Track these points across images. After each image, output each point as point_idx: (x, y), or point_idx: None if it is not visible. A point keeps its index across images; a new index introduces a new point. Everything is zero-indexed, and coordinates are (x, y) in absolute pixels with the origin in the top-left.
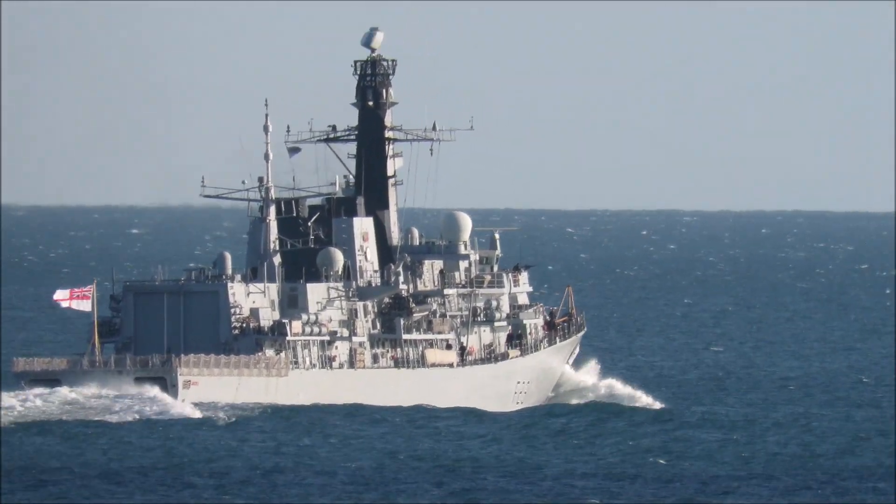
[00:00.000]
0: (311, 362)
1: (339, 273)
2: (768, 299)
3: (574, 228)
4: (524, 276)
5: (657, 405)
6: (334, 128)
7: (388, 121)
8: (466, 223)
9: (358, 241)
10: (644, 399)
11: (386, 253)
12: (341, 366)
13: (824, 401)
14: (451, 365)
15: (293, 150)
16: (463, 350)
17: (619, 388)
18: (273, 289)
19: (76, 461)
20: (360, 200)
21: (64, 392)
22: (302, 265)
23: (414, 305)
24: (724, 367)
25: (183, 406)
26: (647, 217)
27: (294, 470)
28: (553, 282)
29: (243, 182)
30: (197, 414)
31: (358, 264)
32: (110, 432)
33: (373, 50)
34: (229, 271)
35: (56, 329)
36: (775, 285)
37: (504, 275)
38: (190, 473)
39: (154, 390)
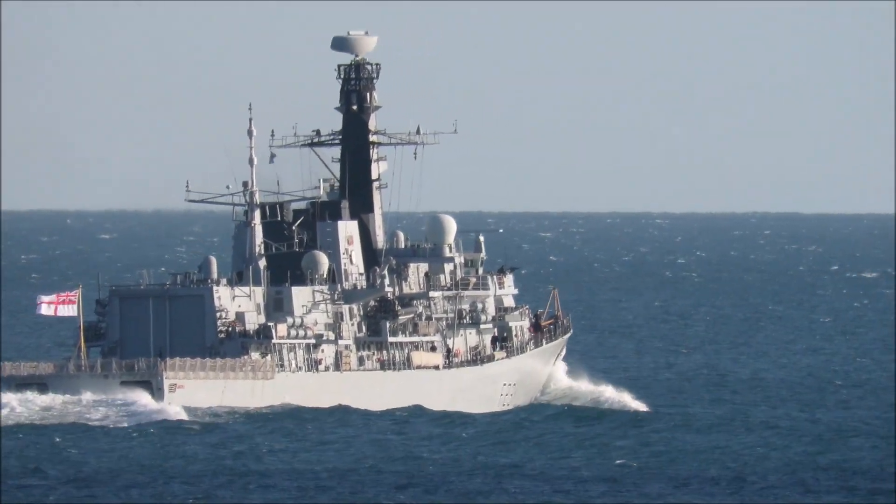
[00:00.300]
0: (296, 365)
1: (325, 276)
2: (739, 301)
3: (545, 231)
4: (509, 279)
5: (635, 408)
6: (318, 132)
7: (372, 125)
8: (451, 226)
9: (343, 245)
10: (623, 402)
11: (371, 256)
12: (327, 369)
13: (797, 402)
14: (436, 367)
15: (271, 157)
16: (448, 352)
17: (603, 392)
18: (258, 292)
19: (48, 464)
20: (345, 204)
21: (47, 396)
22: (287, 269)
23: (399, 308)
24: (697, 369)
25: (167, 409)
26: (618, 219)
27: (267, 473)
28: (525, 283)
29: (228, 187)
30: (182, 417)
31: (343, 267)
32: (89, 436)
33: (356, 55)
34: (215, 275)
35: (25, 333)
36: (746, 287)
37: (489, 277)
38: (162, 476)
39: (138, 394)
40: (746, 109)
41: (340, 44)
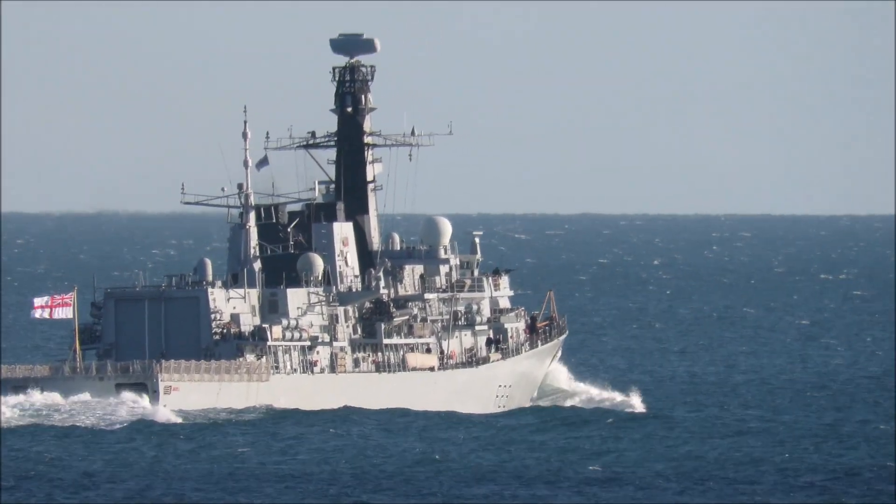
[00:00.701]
0: (291, 367)
1: (320, 278)
2: (716, 302)
3: (520, 233)
4: (505, 280)
5: (624, 409)
6: (313, 134)
7: (367, 126)
8: (446, 228)
9: (338, 247)
10: (615, 404)
11: (366, 258)
12: (322, 371)
13: (772, 404)
14: (432, 369)
15: (261, 163)
16: (442, 354)
17: (595, 395)
18: (253, 294)
19: (41, 467)
20: (340, 206)
21: (43, 398)
22: (282, 271)
23: (395, 310)
24: (675, 372)
25: (162, 412)
26: (609, 220)
27: (251, 476)
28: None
29: (223, 189)
30: (176, 419)
31: (338, 269)
32: (83, 439)
33: (350, 57)
34: (210, 277)
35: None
36: (723, 289)
37: (484, 279)
38: (150, 479)
39: (133, 396)
40: (731, 112)
41: (341, 45)
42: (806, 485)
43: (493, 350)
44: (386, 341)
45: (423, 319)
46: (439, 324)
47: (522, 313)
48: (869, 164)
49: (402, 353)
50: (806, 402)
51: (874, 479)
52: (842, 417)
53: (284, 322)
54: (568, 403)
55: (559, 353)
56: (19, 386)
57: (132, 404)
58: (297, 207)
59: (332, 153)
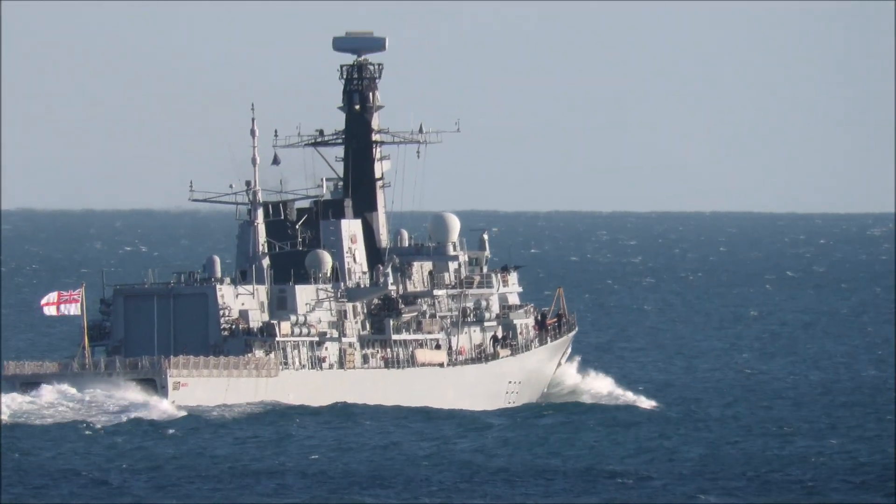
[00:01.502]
0: (300, 363)
1: (328, 275)
2: (689, 299)
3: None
4: (513, 277)
5: (640, 408)
6: (322, 132)
7: (374, 124)
8: (455, 224)
9: (346, 243)
10: (626, 402)
11: (374, 255)
12: (331, 366)
13: (755, 404)
14: (441, 365)
15: (275, 161)
16: (450, 349)
17: (606, 390)
18: (262, 291)
19: (50, 463)
20: (348, 203)
21: (51, 394)
22: (291, 267)
23: (403, 306)
24: (649, 373)
25: (170, 407)
26: (600, 219)
27: (253, 472)
28: None
29: (231, 186)
30: (185, 415)
31: (346, 266)
32: (91, 435)
33: (358, 55)
34: (218, 274)
35: None
36: (691, 287)
37: (493, 275)
38: (154, 475)
39: (142, 392)
40: (728, 111)
41: (348, 44)
42: (785, 483)
43: (498, 347)
44: (395, 337)
45: (432, 315)
46: (448, 320)
47: (532, 310)
48: (844, 164)
49: (410, 349)
50: (783, 399)
51: (853, 477)
52: (820, 414)
53: (293, 318)
54: (570, 400)
55: (569, 350)
56: (27, 382)
57: (141, 400)
58: (305, 204)
59: (340, 151)
